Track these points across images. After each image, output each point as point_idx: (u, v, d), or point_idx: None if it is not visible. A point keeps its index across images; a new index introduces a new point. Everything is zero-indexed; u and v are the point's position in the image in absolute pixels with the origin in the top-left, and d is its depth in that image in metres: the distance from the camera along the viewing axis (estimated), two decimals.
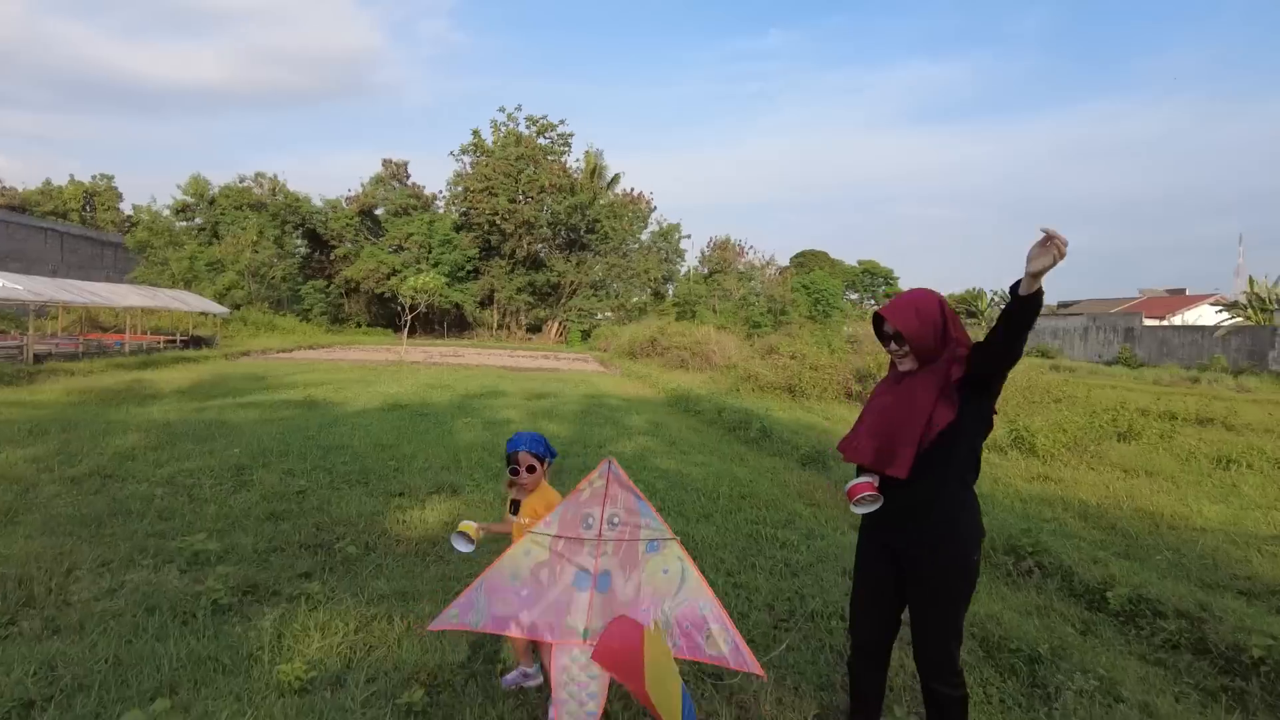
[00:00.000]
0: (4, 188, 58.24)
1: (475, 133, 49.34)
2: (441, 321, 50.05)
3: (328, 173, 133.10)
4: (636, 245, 52.07)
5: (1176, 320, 51.23)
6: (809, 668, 3.62)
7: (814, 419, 13.62)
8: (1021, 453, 10.32)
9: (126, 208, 57.50)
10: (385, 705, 3.08)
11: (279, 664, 3.26)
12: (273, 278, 44.64)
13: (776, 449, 10.16)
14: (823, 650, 3.84)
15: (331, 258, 48.37)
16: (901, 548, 2.67)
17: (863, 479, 2.66)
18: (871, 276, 69.79)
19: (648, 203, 52.30)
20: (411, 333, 45.44)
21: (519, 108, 50.91)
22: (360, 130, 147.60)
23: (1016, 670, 3.67)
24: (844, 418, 14.20)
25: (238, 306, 38.98)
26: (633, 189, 52.42)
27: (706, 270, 53.65)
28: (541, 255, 50.23)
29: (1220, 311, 45.01)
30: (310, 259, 49.99)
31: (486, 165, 47.39)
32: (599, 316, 50.41)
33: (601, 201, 49.54)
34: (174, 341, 26.20)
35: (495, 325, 49.80)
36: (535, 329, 50.80)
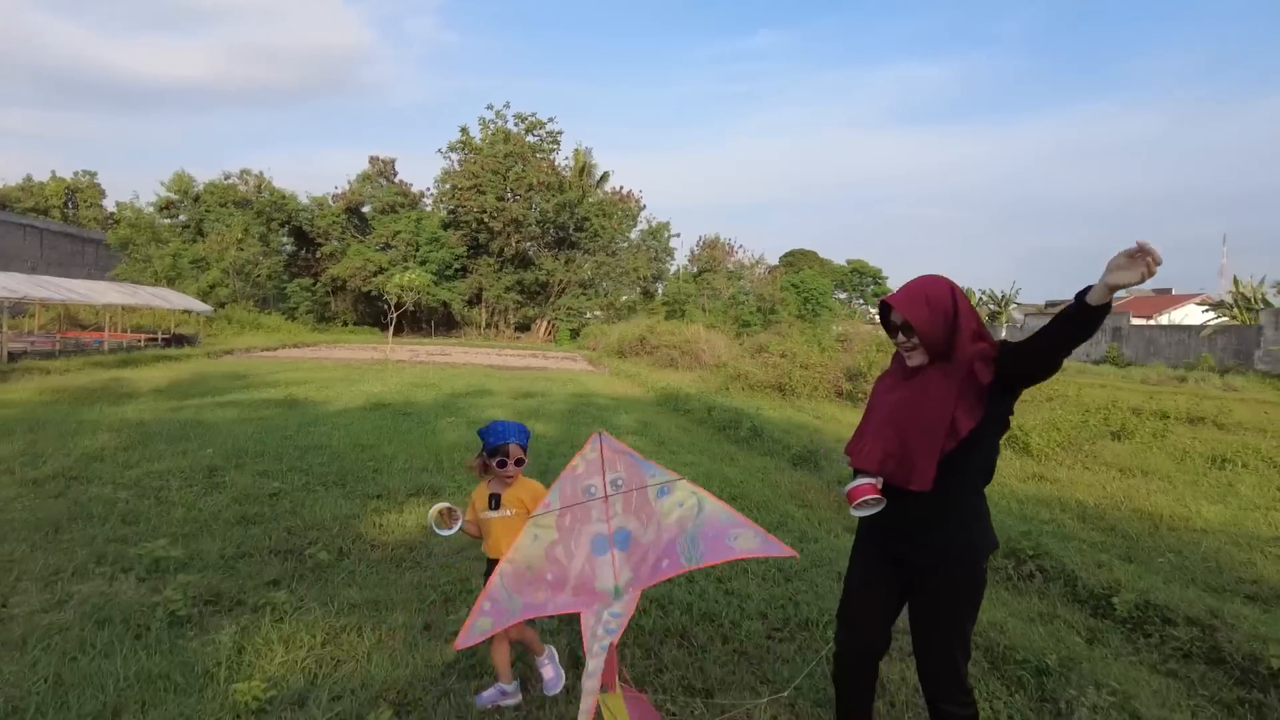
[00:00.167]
0: None
1: (463, 130, 48.95)
2: (429, 320, 49.63)
3: (314, 170, 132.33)
4: (626, 244, 51.81)
5: (1163, 320, 51.48)
6: (805, 681, 3.42)
7: (805, 418, 13.44)
8: (1015, 452, 10.17)
9: (110, 205, 56.79)
10: None
11: (236, 682, 3.02)
12: (258, 276, 44.10)
13: (767, 449, 9.97)
14: (821, 663, 3.63)
15: (318, 256, 47.85)
16: (909, 557, 2.46)
17: (863, 480, 2.44)
18: (860, 276, 69.72)
19: (637, 201, 52.07)
20: (399, 331, 45.07)
21: (507, 105, 50.72)
22: (347, 128, 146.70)
23: (1024, 683, 3.47)
24: (835, 417, 14.04)
25: (222, 305, 38.48)
26: (622, 187, 52.21)
27: (696, 269, 53.48)
28: (530, 254, 49.90)
29: (1206, 311, 45.22)
30: (296, 257, 49.44)
31: (474, 163, 46.99)
32: (588, 315, 50.11)
33: (590, 200, 49.24)
34: (155, 340, 25.75)
35: (483, 324, 49.43)
36: (524, 328, 50.46)
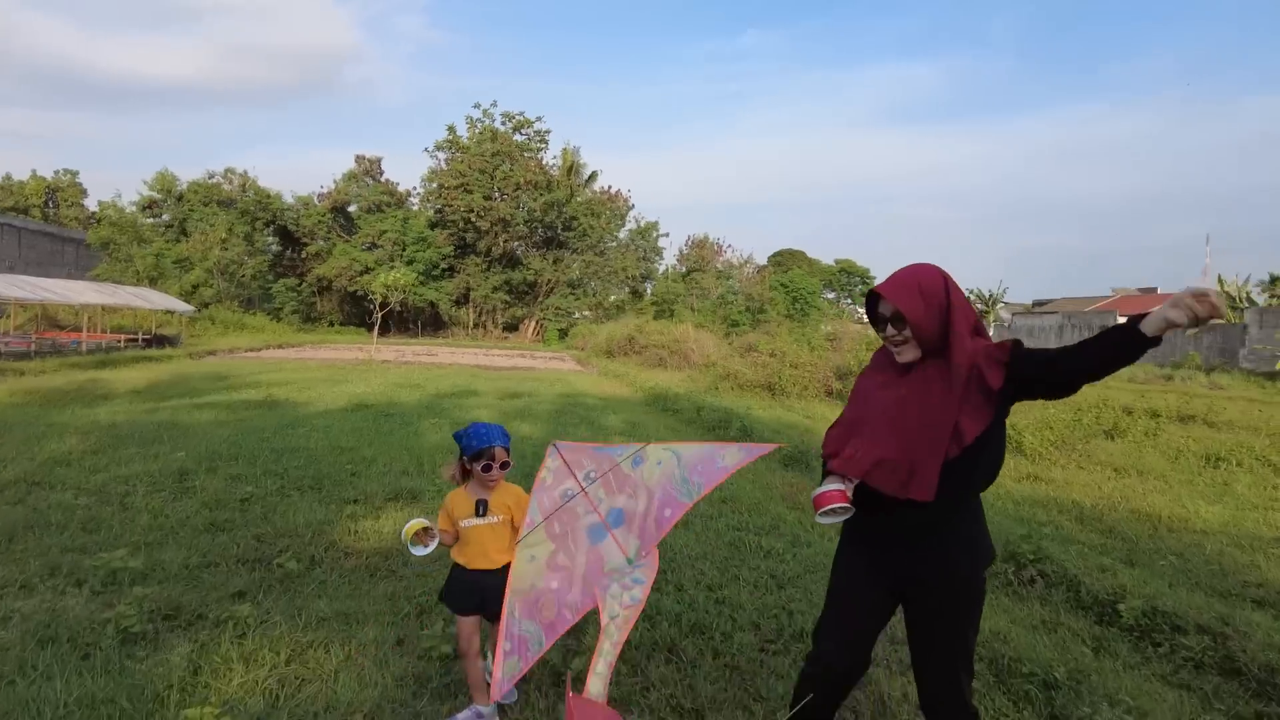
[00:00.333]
0: None
1: (450, 129, 48.61)
2: (416, 320, 49.26)
3: (300, 170, 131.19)
4: (614, 243, 51.60)
5: None
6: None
7: (795, 418, 13.27)
8: (1009, 451, 9.96)
9: (91, 204, 56.04)
10: None
11: (188, 707, 2.78)
12: (242, 276, 43.62)
13: None
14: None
15: (303, 255, 47.39)
16: (903, 569, 2.26)
17: (832, 486, 2.22)
18: (848, 275, 69.73)
19: (625, 200, 51.86)
20: (385, 332, 44.68)
21: (494, 104, 50.23)
22: (334, 127, 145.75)
23: (1032, 699, 3.28)
24: (826, 416, 13.86)
25: (206, 305, 38.01)
26: (610, 186, 52.01)
27: (684, 269, 53.32)
28: (518, 253, 49.59)
29: None
30: (281, 257, 48.94)
31: (461, 161, 46.64)
32: (576, 315, 49.85)
33: (579, 199, 48.98)
34: (135, 340, 25.32)
35: (471, 324, 49.07)
36: (512, 328, 50.13)
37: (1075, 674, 3.45)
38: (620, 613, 2.56)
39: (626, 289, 52.71)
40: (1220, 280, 43.48)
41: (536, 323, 49.42)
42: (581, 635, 3.68)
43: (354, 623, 3.75)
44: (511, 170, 46.14)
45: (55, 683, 2.94)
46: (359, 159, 50.43)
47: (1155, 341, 1.88)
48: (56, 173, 59.80)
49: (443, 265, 47.22)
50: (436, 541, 2.85)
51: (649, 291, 52.70)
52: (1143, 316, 1.91)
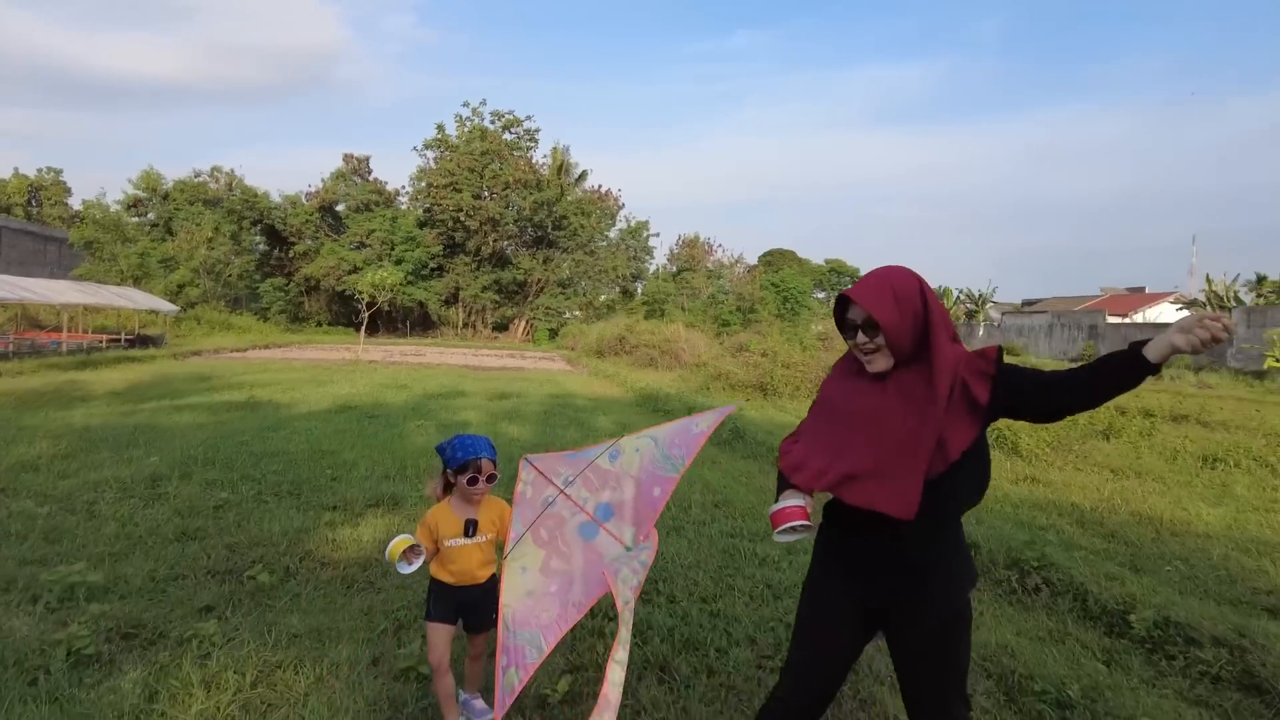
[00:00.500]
0: None
1: (439, 127, 48.19)
2: (405, 320, 48.88)
3: (287, 168, 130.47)
4: (605, 243, 51.35)
5: (1138, 318, 51.94)
6: None
7: (788, 418, 13.10)
8: (1005, 453, 9.89)
9: (75, 203, 55.35)
10: None
11: None
12: (229, 275, 43.11)
13: (750, 451, 9.61)
14: None
15: (291, 255, 46.91)
16: (884, 599, 2.06)
17: (791, 502, 2.03)
18: (839, 275, 69.76)
19: (616, 200, 51.64)
20: (374, 331, 44.28)
21: (484, 102, 49.81)
22: (321, 126, 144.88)
23: (1045, 718, 3.10)
24: None
25: (192, 305, 37.53)
26: (600, 186, 51.77)
27: (675, 268, 53.14)
28: (507, 253, 49.27)
29: (1180, 309, 45.71)
30: (269, 256, 48.43)
31: (450, 160, 46.26)
32: (566, 315, 49.58)
33: (569, 198, 48.70)
34: (118, 341, 24.92)
35: (460, 324, 48.71)
36: (502, 327, 49.81)
37: (1090, 691, 3.27)
38: (630, 597, 2.44)
39: (617, 289, 52.47)
40: (1208, 280, 43.60)
41: (526, 322, 49.11)
42: (569, 653, 3.48)
43: (327, 640, 3.54)
44: (501, 169, 45.81)
45: None
46: (347, 158, 50.01)
47: (1158, 369, 1.76)
48: (40, 171, 59.04)
49: (431, 265, 46.85)
50: (423, 559, 2.71)
51: (639, 291, 52.50)
52: (1145, 342, 1.79)
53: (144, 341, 25.96)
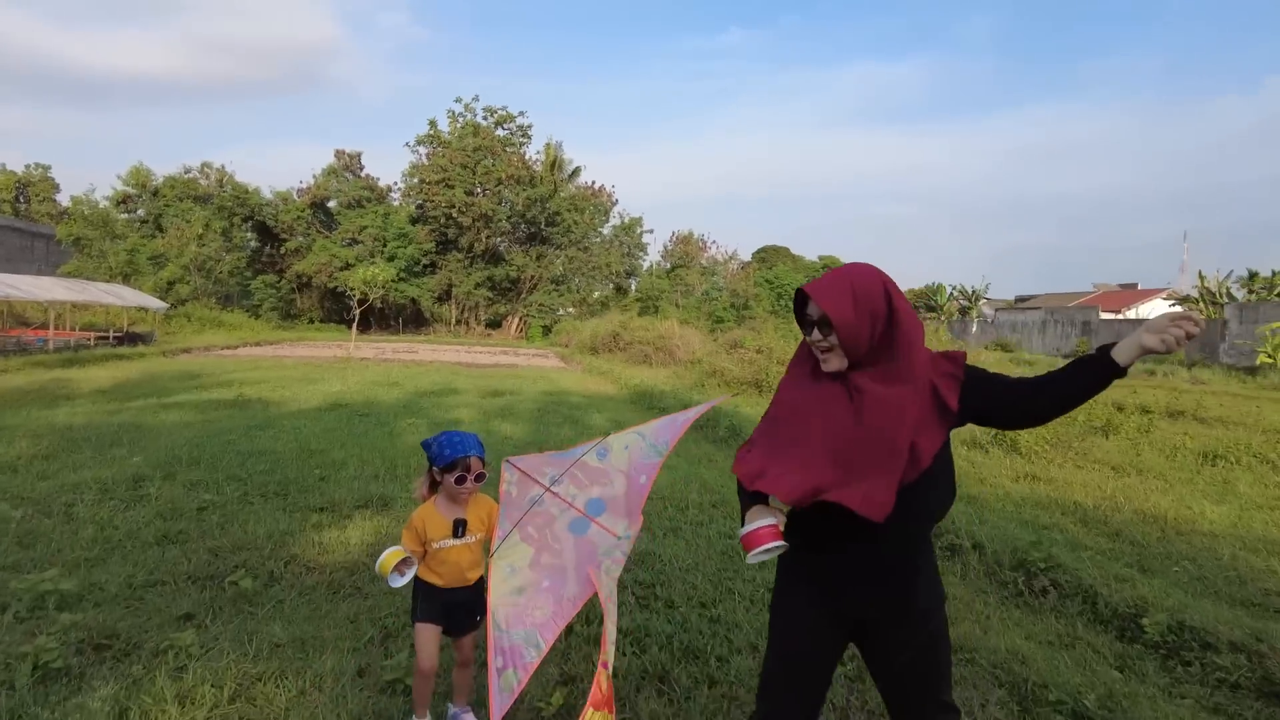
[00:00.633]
0: None
1: (432, 123, 47.89)
2: (397, 317, 48.58)
3: (278, 165, 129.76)
4: (598, 239, 51.12)
5: (1131, 314, 52.05)
6: None
7: None
8: (1004, 450, 9.79)
9: (64, 199, 54.84)
10: None
11: None
12: (219, 272, 42.75)
13: None
14: (826, 712, 3.11)
15: (282, 251, 46.51)
16: (859, 615, 1.97)
17: (763, 522, 1.90)
18: None
19: (609, 196, 51.43)
20: (366, 329, 44.00)
21: (476, 98, 49.51)
22: (313, 123, 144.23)
23: None
24: None
25: (182, 302, 37.20)
26: (594, 182, 51.52)
27: (669, 265, 52.97)
28: (500, 249, 49.01)
29: (1173, 305, 45.75)
30: (260, 253, 48.02)
31: (443, 156, 45.95)
32: (560, 312, 49.36)
33: (562, 194, 48.46)
34: (106, 338, 24.63)
35: (454, 321, 48.45)
36: (495, 325, 49.57)
37: (1107, 701, 3.14)
38: (613, 588, 2.43)
39: (610, 285, 52.25)
40: (1201, 276, 43.71)
41: (520, 319, 48.88)
42: (563, 663, 3.33)
43: (311, 650, 3.38)
44: (494, 165, 45.54)
45: None
46: (339, 154, 49.62)
47: (1124, 372, 1.74)
48: (27, 167, 58.51)
49: (424, 261, 46.56)
50: (414, 569, 2.59)
51: (633, 288, 52.29)
52: (1113, 345, 1.76)
53: (133, 339, 25.68)
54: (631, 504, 2.59)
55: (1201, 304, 42.19)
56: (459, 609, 2.74)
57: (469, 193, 45.34)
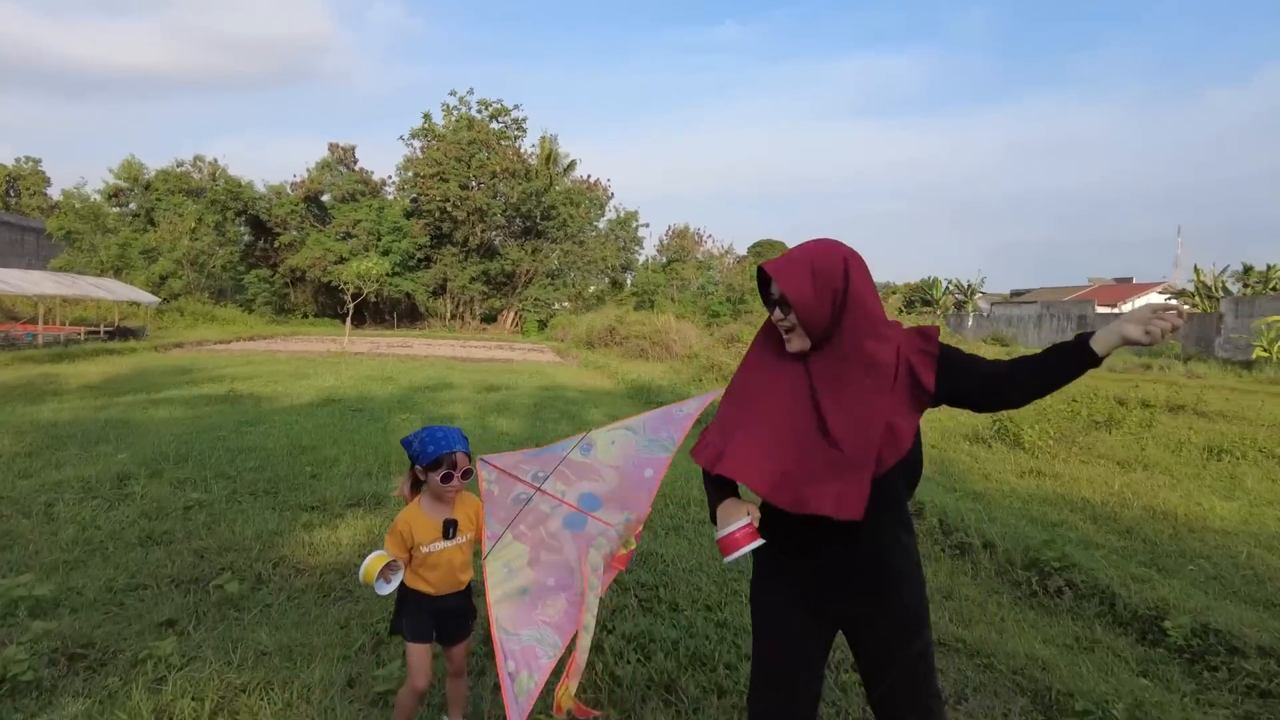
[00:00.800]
0: None
1: (426, 116, 47.50)
2: (392, 312, 48.32)
3: (271, 158, 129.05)
4: (594, 233, 50.88)
5: (1126, 308, 52.04)
6: None
7: None
8: (1007, 445, 9.66)
9: (55, 193, 54.33)
10: None
11: None
12: (212, 266, 42.40)
13: None
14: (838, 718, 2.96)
15: (276, 245, 46.19)
16: (842, 609, 1.89)
17: (738, 525, 1.78)
18: None
19: (605, 190, 51.15)
20: (361, 323, 43.73)
21: (471, 91, 49.29)
22: (307, 116, 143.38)
23: None
24: None
25: (175, 296, 36.88)
26: (589, 176, 51.24)
27: (665, 259, 52.76)
28: (495, 243, 48.73)
29: (1169, 299, 45.76)
30: (253, 247, 47.67)
31: (437, 150, 45.62)
32: (556, 306, 49.13)
33: (558, 188, 48.17)
34: (96, 333, 24.37)
35: (448, 315, 48.18)
36: (490, 319, 49.31)
37: (1136, 711, 2.99)
38: (600, 562, 2.35)
39: (606, 279, 52.01)
40: (1197, 270, 43.69)
41: (515, 314, 48.64)
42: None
43: (299, 658, 3.22)
44: (488, 159, 45.23)
45: None
46: (332, 147, 49.23)
47: (1100, 361, 1.69)
48: (18, 160, 57.99)
49: (419, 255, 46.27)
50: (401, 574, 2.41)
51: (629, 282, 52.08)
52: (1091, 333, 1.70)
53: (124, 334, 25.41)
54: (633, 496, 2.47)
55: (1197, 298, 42.21)
56: (450, 617, 2.58)
57: (463, 186, 45.06)
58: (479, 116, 47.18)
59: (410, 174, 46.90)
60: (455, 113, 47.24)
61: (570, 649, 2.30)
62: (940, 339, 1.86)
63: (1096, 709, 2.98)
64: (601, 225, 51.55)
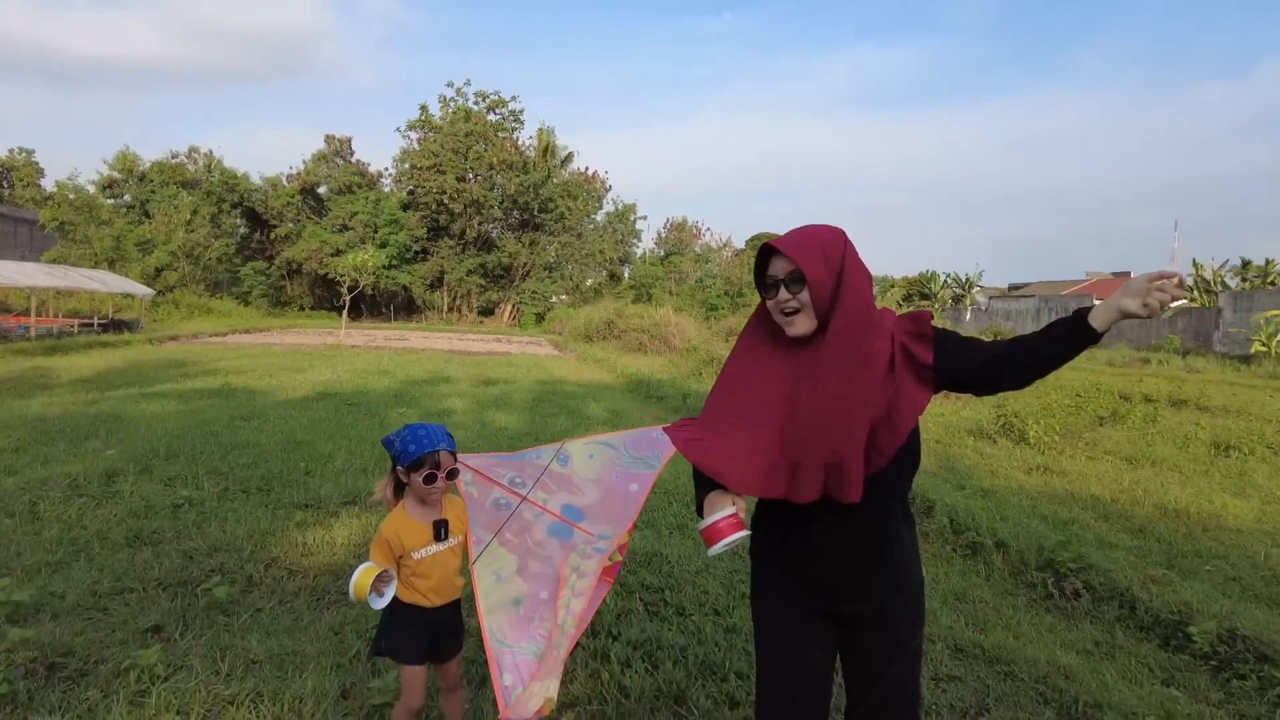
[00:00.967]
0: None
1: (423, 108, 47.15)
2: (389, 305, 48.09)
3: (267, 150, 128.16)
4: (592, 226, 50.64)
5: None
6: None
7: None
8: (1012, 441, 9.54)
9: (49, 184, 53.87)
10: None
11: None
12: (208, 259, 42.10)
13: None
14: None
15: (272, 238, 45.92)
16: (844, 609, 1.82)
17: (722, 514, 1.73)
18: None
19: (602, 182, 50.90)
20: (358, 316, 43.48)
21: (468, 83, 48.78)
22: (302, 108, 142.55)
23: None
24: None
25: (170, 289, 36.61)
26: (587, 168, 50.97)
27: (663, 252, 52.57)
28: (493, 236, 48.48)
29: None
30: (249, 239, 47.39)
31: (434, 142, 45.32)
32: (553, 299, 48.93)
33: (555, 180, 47.89)
34: (90, 325, 24.15)
35: (446, 308, 47.96)
36: (487, 312, 49.10)
37: None
38: (577, 582, 2.27)
39: (604, 272, 51.82)
40: (1195, 264, 43.63)
41: (513, 307, 48.43)
42: (570, 682, 3.03)
43: (290, 668, 3.07)
44: (485, 151, 44.93)
45: None
46: (329, 139, 48.88)
47: (1100, 337, 1.63)
48: (11, 151, 57.51)
49: (415, 248, 46.02)
50: (394, 585, 2.24)
51: (627, 275, 51.88)
52: (1089, 309, 1.63)
53: (118, 326, 25.19)
54: (618, 511, 2.38)
55: (1196, 292, 42.13)
56: (445, 629, 2.41)
57: (460, 178, 44.77)
58: (476, 108, 46.87)
59: (407, 166, 46.60)
60: (452, 104, 46.93)
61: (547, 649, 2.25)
62: (935, 324, 1.81)
63: None
64: (599, 218, 51.35)
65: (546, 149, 49.12)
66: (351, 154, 49.43)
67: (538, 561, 2.37)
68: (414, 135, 47.43)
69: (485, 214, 46.19)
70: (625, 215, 51.96)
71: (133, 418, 8.59)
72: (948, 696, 3.10)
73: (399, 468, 2.32)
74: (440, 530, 2.35)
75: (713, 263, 51.60)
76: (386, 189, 48.71)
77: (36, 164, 58.08)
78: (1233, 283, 43.71)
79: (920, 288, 63.45)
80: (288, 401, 10.46)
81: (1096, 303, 1.68)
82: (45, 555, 4.15)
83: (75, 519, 4.81)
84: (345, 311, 28.54)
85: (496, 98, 47.35)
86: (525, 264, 47.67)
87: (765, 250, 1.78)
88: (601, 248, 49.45)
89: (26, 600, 3.43)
